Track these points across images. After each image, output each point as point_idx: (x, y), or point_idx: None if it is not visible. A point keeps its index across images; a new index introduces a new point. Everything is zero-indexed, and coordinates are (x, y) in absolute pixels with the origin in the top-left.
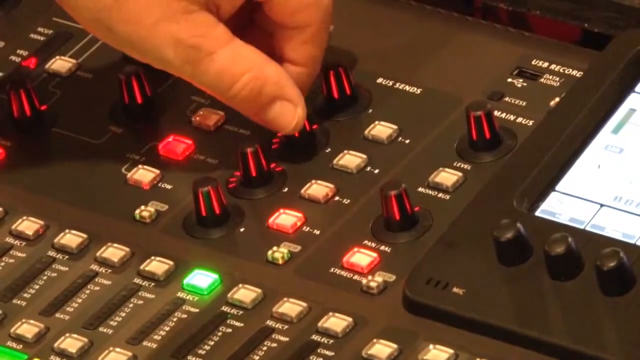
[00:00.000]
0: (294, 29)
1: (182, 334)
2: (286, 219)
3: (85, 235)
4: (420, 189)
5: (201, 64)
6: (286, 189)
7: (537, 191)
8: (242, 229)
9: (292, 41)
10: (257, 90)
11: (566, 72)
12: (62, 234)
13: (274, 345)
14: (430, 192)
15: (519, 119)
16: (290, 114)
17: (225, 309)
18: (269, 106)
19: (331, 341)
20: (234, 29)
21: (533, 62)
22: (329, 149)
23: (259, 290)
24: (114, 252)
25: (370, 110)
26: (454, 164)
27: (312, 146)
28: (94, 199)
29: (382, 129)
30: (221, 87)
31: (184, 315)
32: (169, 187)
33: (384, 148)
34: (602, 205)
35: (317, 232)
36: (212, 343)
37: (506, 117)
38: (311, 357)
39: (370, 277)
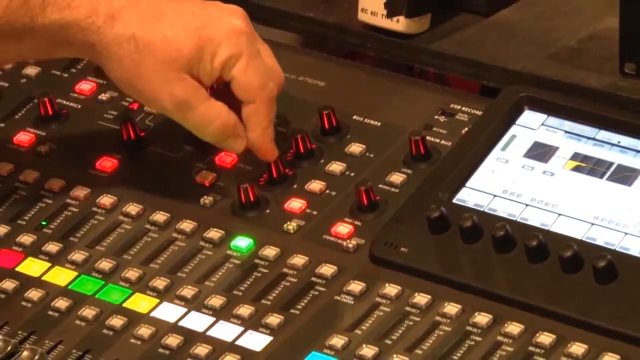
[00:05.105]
0: (247, 103)
1: (229, 278)
2: (296, 204)
3: (169, 214)
4: (380, 186)
5: (188, 112)
6: (295, 186)
7: (454, 187)
8: (267, 211)
9: (246, 110)
10: (222, 131)
11: (472, 111)
12: (154, 213)
13: (288, 284)
14: (386, 187)
15: (442, 141)
16: (239, 144)
17: (257, 261)
18: (227, 140)
19: (324, 281)
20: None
21: (451, 106)
22: (323, 160)
23: (278, 249)
24: (187, 225)
25: (349, 136)
26: (402, 170)
27: (313, 158)
28: (174, 192)
29: (356, 148)
30: (199, 128)
31: (231, 265)
32: (222, 184)
33: (358, 159)
34: (495, 196)
35: (315, 212)
36: (248, 283)
37: (434, 140)
38: (311, 292)
39: (348, 241)
